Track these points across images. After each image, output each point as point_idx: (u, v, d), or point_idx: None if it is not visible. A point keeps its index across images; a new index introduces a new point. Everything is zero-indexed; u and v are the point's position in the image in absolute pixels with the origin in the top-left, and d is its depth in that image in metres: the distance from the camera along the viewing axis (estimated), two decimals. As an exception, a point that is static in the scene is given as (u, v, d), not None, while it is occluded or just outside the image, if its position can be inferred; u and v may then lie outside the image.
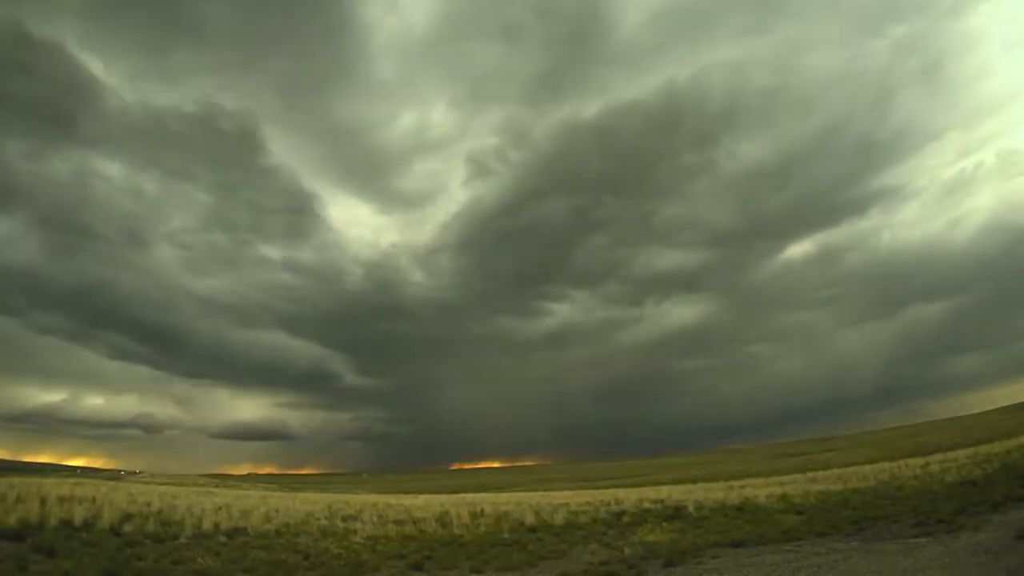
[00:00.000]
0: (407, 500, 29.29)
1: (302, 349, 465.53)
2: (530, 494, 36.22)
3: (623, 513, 17.84)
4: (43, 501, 14.50)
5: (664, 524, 15.61)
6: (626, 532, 15.03)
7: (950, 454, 30.50)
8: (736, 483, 31.90)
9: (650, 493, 25.80)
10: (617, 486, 46.24)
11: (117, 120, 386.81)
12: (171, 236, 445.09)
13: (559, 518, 16.94)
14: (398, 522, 16.88)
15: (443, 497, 34.01)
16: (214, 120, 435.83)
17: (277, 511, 18.32)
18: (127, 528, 13.03)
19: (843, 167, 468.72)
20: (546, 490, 49.33)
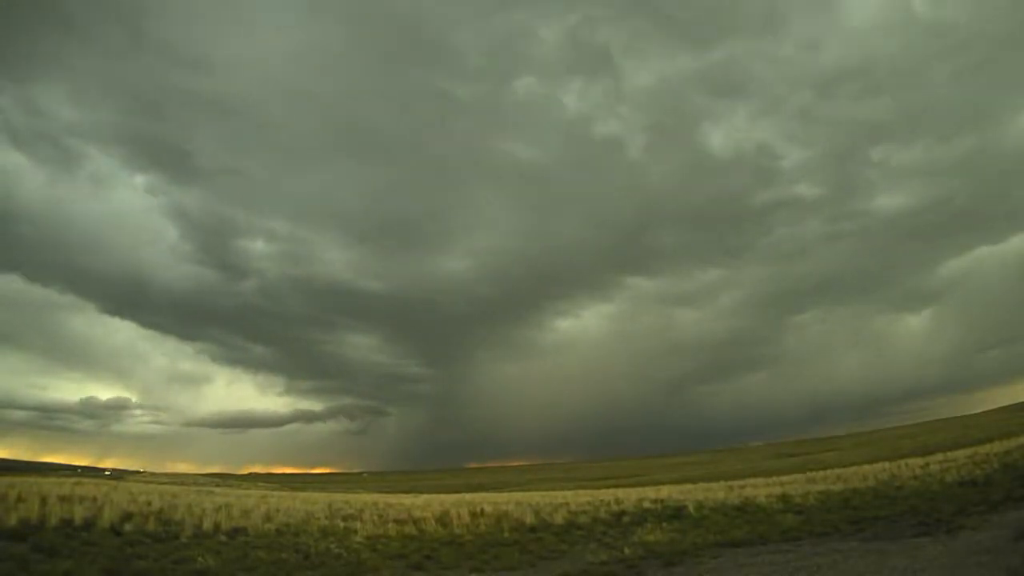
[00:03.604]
0: (407, 500, 29.31)
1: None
2: (530, 494, 36.22)
3: (623, 513, 17.84)
4: (44, 500, 14.51)
5: (664, 524, 15.61)
6: (626, 532, 15.04)
7: (950, 454, 30.47)
8: (736, 483, 31.87)
9: (650, 493, 25.79)
10: (617, 486, 46.22)
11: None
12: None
13: (559, 518, 16.94)
14: (398, 522, 16.88)
15: (443, 497, 34.02)
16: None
17: (278, 510, 18.32)
18: (127, 527, 13.03)
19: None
20: (546, 490, 49.33)
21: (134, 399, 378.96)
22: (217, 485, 50.96)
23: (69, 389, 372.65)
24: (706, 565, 10.65)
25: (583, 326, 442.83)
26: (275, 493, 38.24)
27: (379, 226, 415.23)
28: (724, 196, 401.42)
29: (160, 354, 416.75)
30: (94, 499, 16.59)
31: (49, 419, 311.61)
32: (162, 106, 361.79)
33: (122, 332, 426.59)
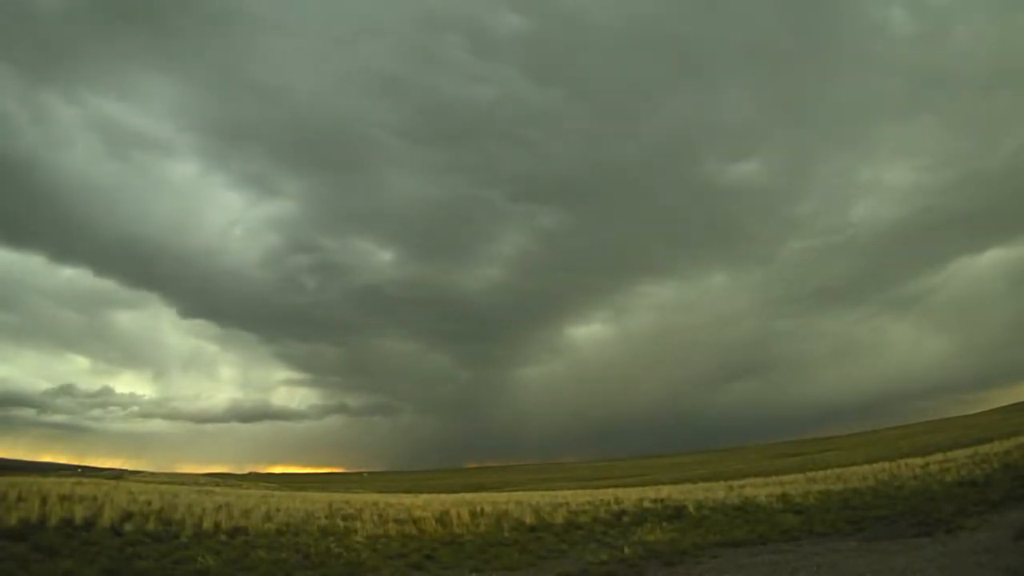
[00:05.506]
0: (407, 499, 29.31)
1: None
2: (530, 494, 36.23)
3: (623, 513, 17.84)
4: (44, 500, 14.52)
5: (664, 524, 15.61)
6: (626, 532, 15.04)
7: (950, 454, 30.46)
8: (736, 483, 31.87)
9: (650, 493, 25.79)
10: (617, 486, 46.22)
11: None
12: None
13: (559, 518, 16.95)
14: (398, 521, 16.88)
15: (443, 496, 34.03)
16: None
17: (278, 510, 18.32)
18: (128, 527, 13.04)
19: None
20: (546, 490, 49.34)
21: (156, 395, 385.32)
22: (217, 485, 50.94)
23: (119, 384, 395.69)
24: (706, 565, 10.66)
25: (593, 331, 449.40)
26: (275, 493, 38.24)
27: (421, 237, 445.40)
28: (727, 215, 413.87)
29: (228, 355, 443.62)
30: (94, 499, 16.60)
31: (78, 417, 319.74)
32: (247, 129, 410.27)
33: (190, 331, 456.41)
